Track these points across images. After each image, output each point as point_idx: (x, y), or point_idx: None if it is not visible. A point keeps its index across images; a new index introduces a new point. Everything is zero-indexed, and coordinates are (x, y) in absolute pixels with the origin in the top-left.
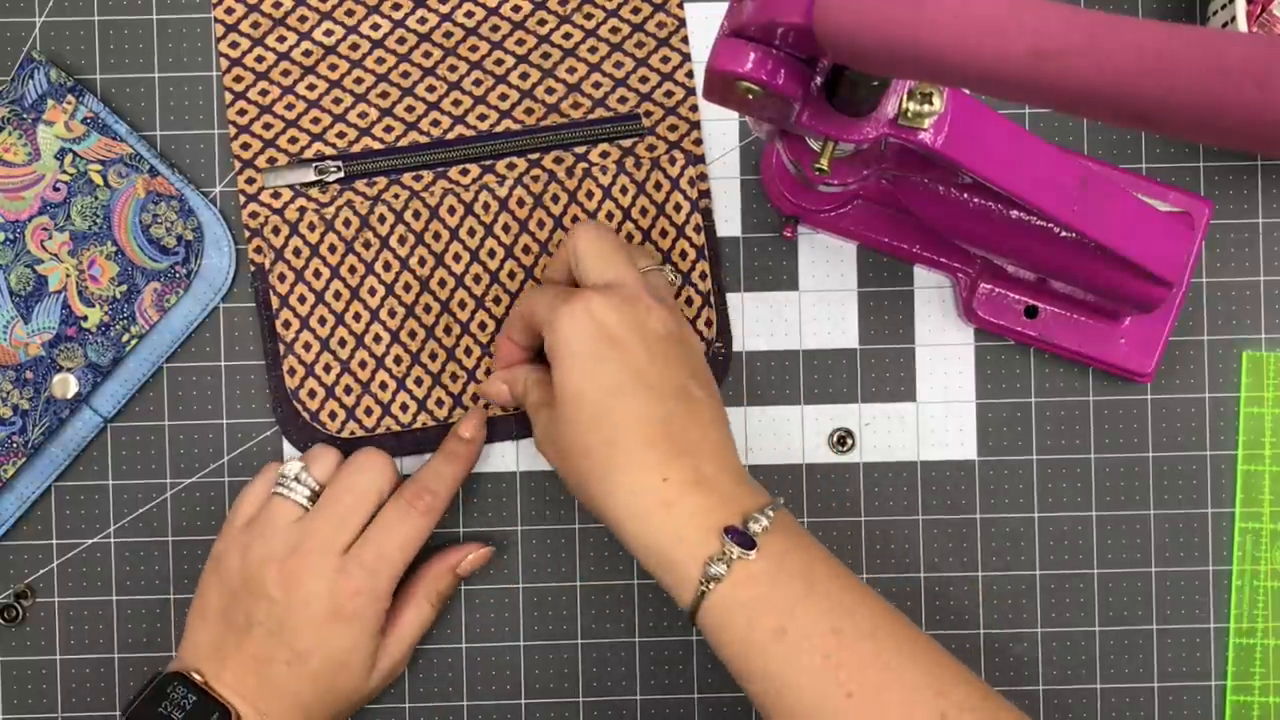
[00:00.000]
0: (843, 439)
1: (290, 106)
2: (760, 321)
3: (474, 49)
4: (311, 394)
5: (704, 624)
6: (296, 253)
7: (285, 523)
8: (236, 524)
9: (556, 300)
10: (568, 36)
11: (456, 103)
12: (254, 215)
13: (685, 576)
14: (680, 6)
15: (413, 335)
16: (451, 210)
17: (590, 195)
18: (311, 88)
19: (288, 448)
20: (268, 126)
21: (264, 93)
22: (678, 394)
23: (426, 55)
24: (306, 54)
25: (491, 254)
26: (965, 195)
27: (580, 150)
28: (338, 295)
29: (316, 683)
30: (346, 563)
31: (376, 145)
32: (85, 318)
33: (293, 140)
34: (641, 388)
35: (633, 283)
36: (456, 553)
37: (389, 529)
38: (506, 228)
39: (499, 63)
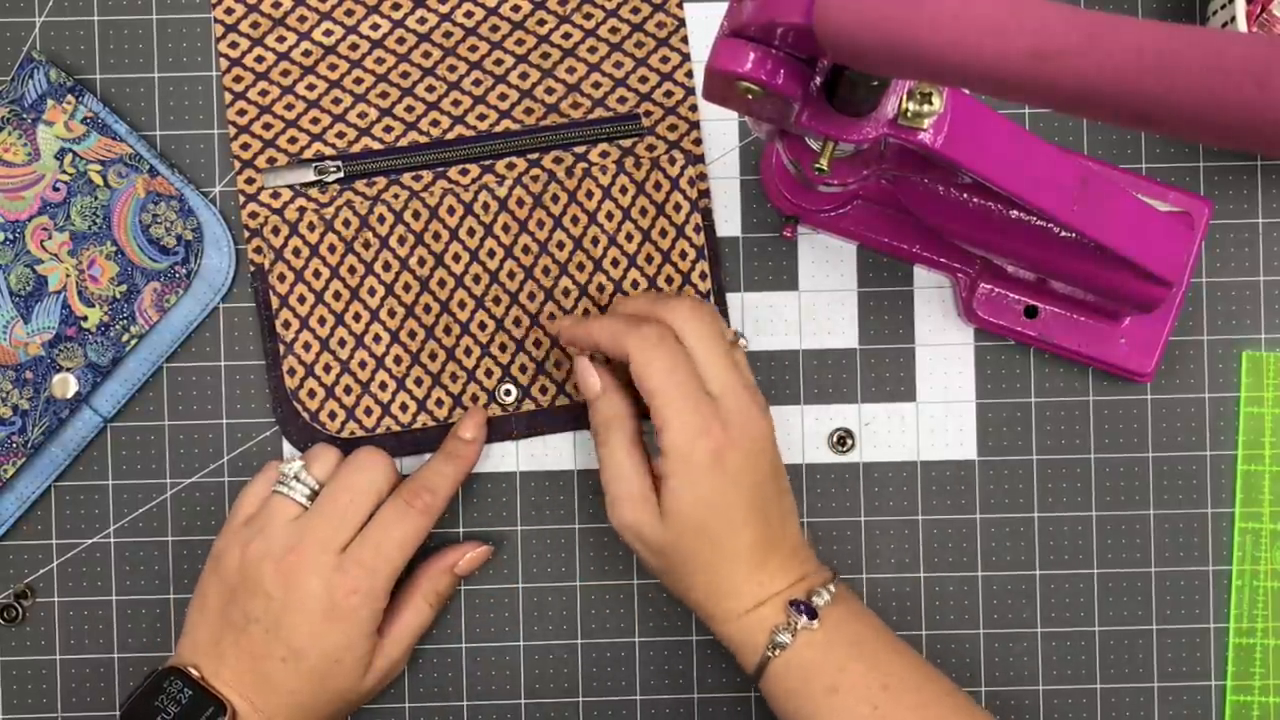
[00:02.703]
0: (843, 439)
1: (290, 106)
2: (760, 321)
3: (473, 49)
4: (311, 394)
5: (765, 684)
6: (296, 253)
7: (284, 521)
8: (236, 522)
9: (695, 416)
10: (567, 36)
11: (456, 103)
12: (254, 215)
13: (754, 644)
14: (680, 6)
15: (412, 335)
16: (451, 210)
17: (590, 195)
18: (311, 88)
19: (287, 448)
20: (268, 126)
21: (264, 93)
22: (777, 497)
23: (426, 55)
24: (306, 54)
25: (491, 254)
26: (965, 195)
27: (580, 150)
28: (337, 295)
29: (312, 680)
30: (344, 561)
31: (376, 145)
32: (85, 318)
33: (292, 140)
34: (753, 513)
35: (742, 396)
36: (454, 552)
37: (387, 528)
38: (506, 228)
39: (498, 63)
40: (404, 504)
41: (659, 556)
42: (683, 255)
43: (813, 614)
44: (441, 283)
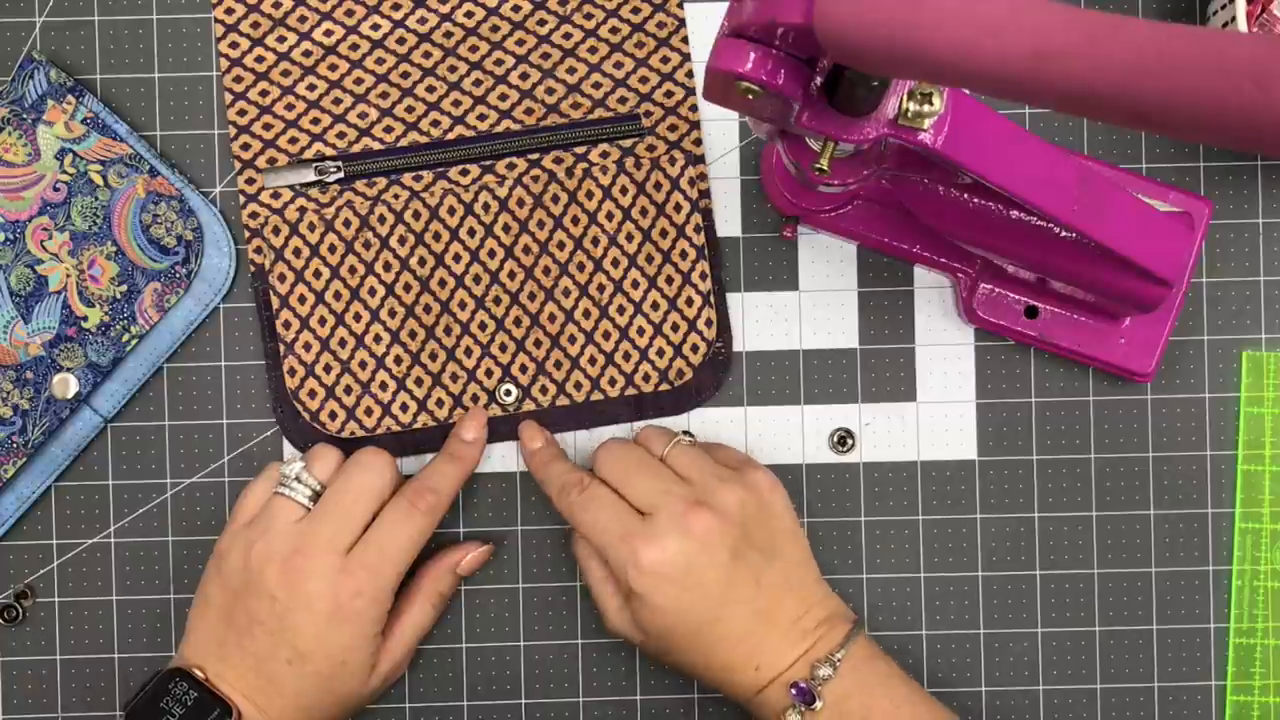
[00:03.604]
0: (843, 439)
1: (290, 107)
2: (760, 321)
3: (474, 49)
4: (311, 394)
5: None
6: (296, 253)
7: (287, 522)
8: (238, 522)
9: (623, 546)
10: (568, 36)
11: (456, 103)
12: (254, 215)
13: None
14: (680, 6)
15: (413, 335)
16: (451, 210)
17: (590, 195)
18: (311, 88)
19: (288, 448)
20: (268, 127)
21: (264, 93)
22: (765, 564)
23: (426, 55)
24: (306, 54)
25: (491, 254)
26: (965, 195)
27: (580, 150)
28: (338, 295)
29: (317, 682)
30: (349, 563)
31: (376, 145)
32: (85, 318)
33: (293, 140)
34: (729, 599)
35: (674, 501)
36: (457, 552)
37: (391, 529)
38: (506, 228)
39: (499, 63)
40: (407, 505)
41: (655, 656)
42: (683, 255)
43: (811, 699)
44: (442, 283)
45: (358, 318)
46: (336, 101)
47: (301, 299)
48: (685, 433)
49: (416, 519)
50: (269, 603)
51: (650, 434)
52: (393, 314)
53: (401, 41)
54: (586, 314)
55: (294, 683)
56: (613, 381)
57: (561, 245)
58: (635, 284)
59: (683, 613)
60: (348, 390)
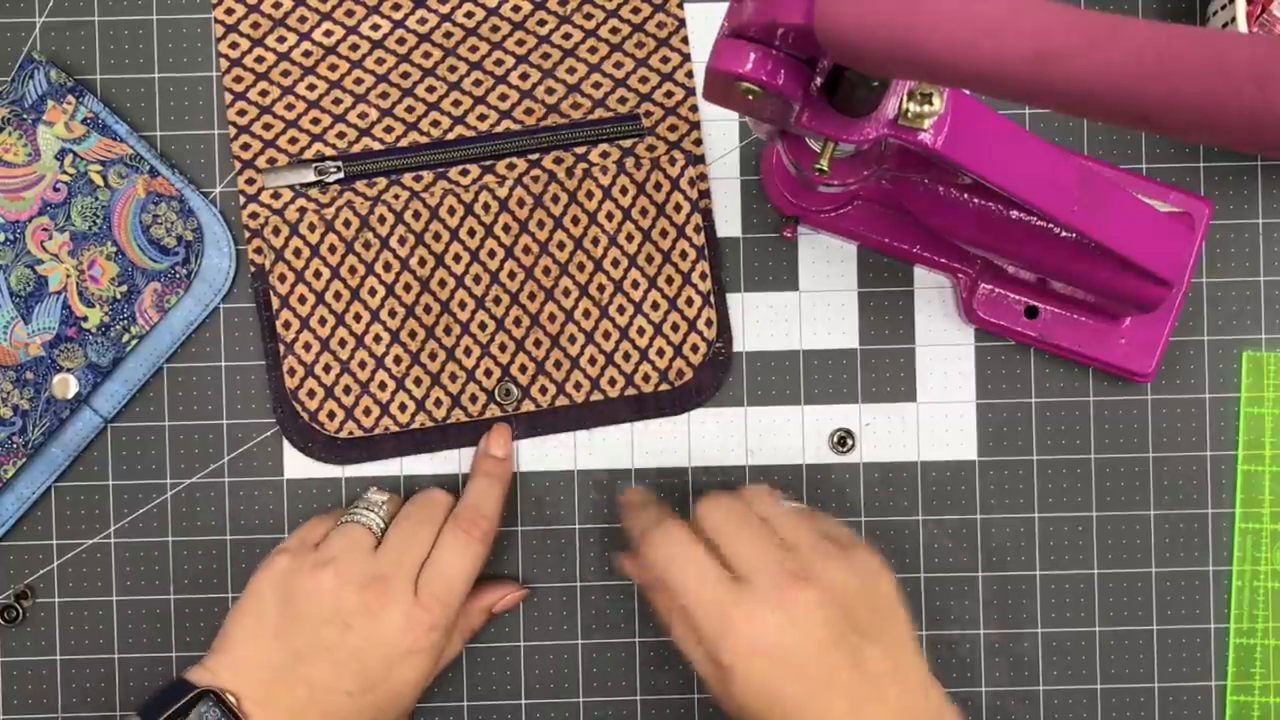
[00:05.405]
0: (843, 439)
1: (290, 107)
2: (760, 321)
3: (474, 49)
4: (311, 394)
5: None
6: (297, 253)
7: (365, 550)
8: (305, 545)
9: (714, 620)
10: (568, 37)
11: (456, 103)
12: (254, 216)
13: None
14: (680, 6)
15: (413, 335)
16: (451, 210)
17: (590, 195)
18: (311, 88)
19: (290, 450)
20: (268, 127)
21: (264, 93)
22: (869, 651)
23: (426, 56)
24: (306, 54)
25: (491, 254)
26: (965, 195)
27: (580, 150)
28: (338, 295)
29: (372, 714)
30: (422, 596)
31: (376, 146)
32: (85, 318)
33: (293, 141)
34: (818, 690)
35: (773, 570)
36: (493, 593)
37: (454, 561)
38: (506, 228)
39: (499, 63)
40: (464, 535)
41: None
42: (683, 255)
43: None
44: (442, 283)
45: (358, 318)
46: (336, 101)
47: (302, 299)
48: (794, 499)
49: (475, 547)
50: (342, 631)
51: (758, 492)
52: (393, 314)
53: (401, 42)
54: (586, 314)
55: (347, 714)
56: (613, 381)
57: (561, 245)
58: (635, 284)
59: (777, 692)
60: (347, 390)
